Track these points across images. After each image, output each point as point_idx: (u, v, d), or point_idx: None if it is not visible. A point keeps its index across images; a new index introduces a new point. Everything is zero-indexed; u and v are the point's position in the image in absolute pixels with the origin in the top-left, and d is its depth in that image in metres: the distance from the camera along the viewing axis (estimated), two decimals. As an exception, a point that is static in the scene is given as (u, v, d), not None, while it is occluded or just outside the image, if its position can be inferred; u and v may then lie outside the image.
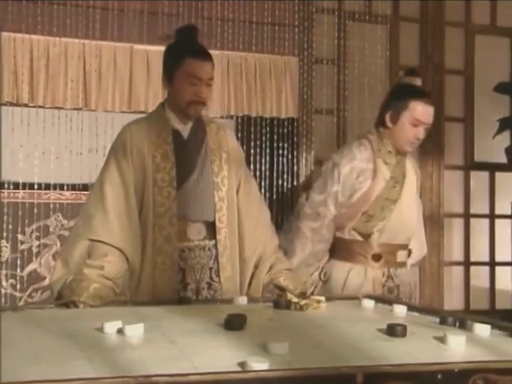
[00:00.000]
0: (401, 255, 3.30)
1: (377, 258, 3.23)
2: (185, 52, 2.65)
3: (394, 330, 1.70)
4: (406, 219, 3.29)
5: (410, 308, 2.15)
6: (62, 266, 2.49)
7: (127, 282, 2.52)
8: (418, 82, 3.31)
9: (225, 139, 2.82)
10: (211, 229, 2.70)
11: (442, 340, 1.64)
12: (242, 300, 2.31)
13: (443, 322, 1.91)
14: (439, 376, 1.36)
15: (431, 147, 5.28)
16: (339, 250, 3.27)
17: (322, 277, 3.27)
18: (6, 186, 4.55)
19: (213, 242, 2.70)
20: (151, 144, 2.67)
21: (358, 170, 3.22)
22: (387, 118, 3.23)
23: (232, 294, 2.60)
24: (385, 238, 3.24)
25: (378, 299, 2.36)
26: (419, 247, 3.52)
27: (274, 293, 2.62)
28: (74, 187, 4.86)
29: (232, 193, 2.76)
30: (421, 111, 3.17)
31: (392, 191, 3.25)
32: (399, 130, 3.21)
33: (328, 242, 3.26)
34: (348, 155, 3.25)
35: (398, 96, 3.25)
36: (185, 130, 2.74)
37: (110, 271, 2.44)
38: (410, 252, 3.36)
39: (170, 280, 2.60)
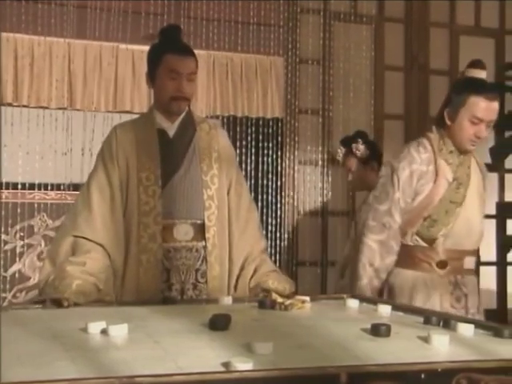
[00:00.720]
0: (468, 262, 3.08)
1: (442, 265, 3.01)
2: (165, 49, 2.67)
3: (378, 330, 1.70)
4: (472, 223, 3.06)
5: (395, 308, 2.16)
6: (49, 265, 2.51)
7: (111, 281, 2.52)
8: (481, 74, 2.97)
9: (216, 138, 2.80)
10: (200, 230, 2.68)
11: (425, 340, 1.64)
12: (227, 300, 2.31)
13: (427, 321, 1.91)
14: (423, 376, 1.36)
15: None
16: (402, 257, 3.03)
17: (386, 286, 3.05)
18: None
19: (202, 243, 2.68)
20: (136, 144, 2.68)
21: (419, 174, 3.00)
22: (445, 115, 2.99)
23: (219, 293, 2.60)
24: (450, 243, 3.01)
25: (363, 299, 2.37)
26: None
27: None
28: (58, 187, 4.84)
29: (223, 192, 2.75)
30: (480, 107, 2.91)
31: (456, 193, 3.03)
32: (458, 128, 2.96)
33: (396, 253, 3.03)
34: (406, 158, 3.02)
35: (458, 91, 2.99)
36: (171, 128, 2.74)
37: (93, 267, 2.45)
38: (479, 259, 3.13)
39: (155, 279, 2.60)
